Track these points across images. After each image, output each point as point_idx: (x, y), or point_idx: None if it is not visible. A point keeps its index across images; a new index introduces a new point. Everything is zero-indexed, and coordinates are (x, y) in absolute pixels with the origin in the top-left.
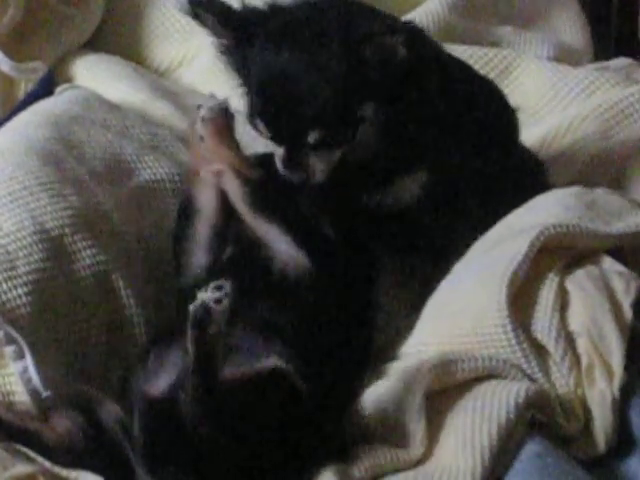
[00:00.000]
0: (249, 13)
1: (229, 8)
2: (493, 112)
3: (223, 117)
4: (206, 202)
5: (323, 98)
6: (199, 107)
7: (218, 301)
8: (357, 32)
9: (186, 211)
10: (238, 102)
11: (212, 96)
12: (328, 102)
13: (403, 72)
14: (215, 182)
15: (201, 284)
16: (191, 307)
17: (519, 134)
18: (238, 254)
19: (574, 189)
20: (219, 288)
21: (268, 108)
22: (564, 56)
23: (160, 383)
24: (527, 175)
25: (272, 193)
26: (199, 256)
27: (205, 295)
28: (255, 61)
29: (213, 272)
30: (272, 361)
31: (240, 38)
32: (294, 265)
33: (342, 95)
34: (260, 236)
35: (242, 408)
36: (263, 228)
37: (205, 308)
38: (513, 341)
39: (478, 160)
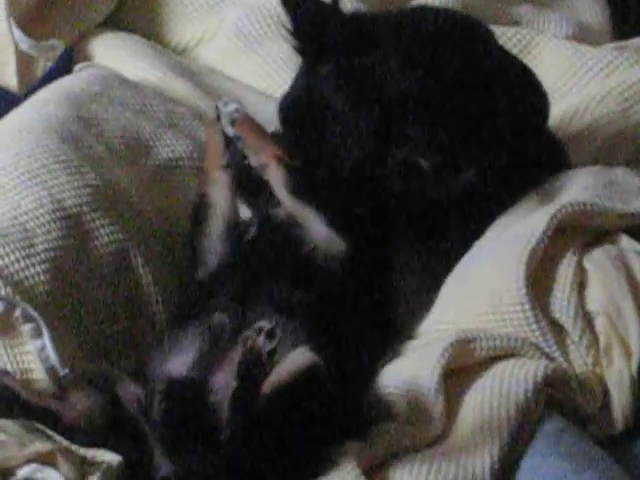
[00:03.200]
0: (331, 25)
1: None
2: (526, 98)
3: (249, 115)
4: (219, 198)
5: (346, 160)
6: (218, 111)
7: (272, 352)
8: (395, 127)
9: (201, 208)
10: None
11: (226, 100)
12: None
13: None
14: (228, 180)
15: (218, 272)
16: (241, 346)
17: (548, 118)
18: (263, 236)
19: (592, 168)
20: (272, 335)
21: (294, 127)
22: (583, 35)
23: (179, 363)
24: (548, 155)
25: (311, 180)
26: (214, 247)
27: (257, 338)
28: (316, 74)
29: (232, 256)
30: (304, 356)
31: (314, 48)
32: (328, 246)
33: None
34: (298, 219)
35: (277, 413)
36: (301, 211)
37: (257, 357)
38: (531, 319)
39: (512, 147)
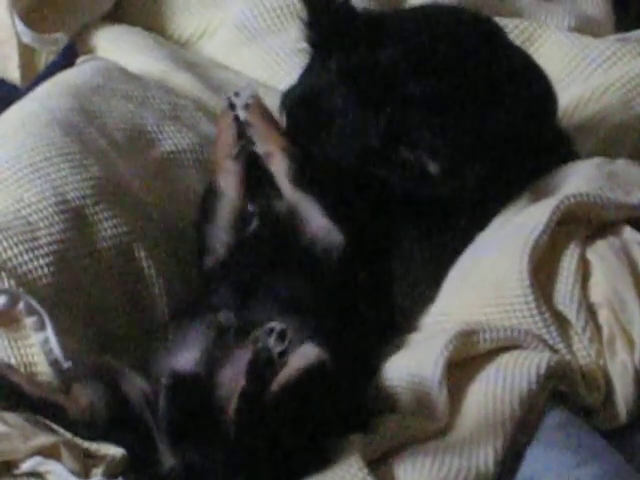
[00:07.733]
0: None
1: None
2: (535, 98)
3: (263, 102)
4: (229, 187)
5: (350, 157)
6: (235, 95)
7: (282, 353)
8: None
9: (209, 197)
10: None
11: (246, 86)
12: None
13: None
14: (238, 170)
15: (225, 262)
16: (252, 346)
17: (556, 116)
18: (264, 228)
19: (595, 160)
20: (282, 336)
21: (299, 121)
22: (586, 27)
23: (185, 359)
24: (555, 148)
25: (313, 171)
26: (222, 236)
27: (268, 339)
28: (325, 69)
29: (236, 248)
30: (312, 353)
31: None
32: (325, 238)
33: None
34: (296, 209)
35: (284, 410)
36: (301, 201)
37: (268, 357)
38: (535, 311)
39: (520, 145)
